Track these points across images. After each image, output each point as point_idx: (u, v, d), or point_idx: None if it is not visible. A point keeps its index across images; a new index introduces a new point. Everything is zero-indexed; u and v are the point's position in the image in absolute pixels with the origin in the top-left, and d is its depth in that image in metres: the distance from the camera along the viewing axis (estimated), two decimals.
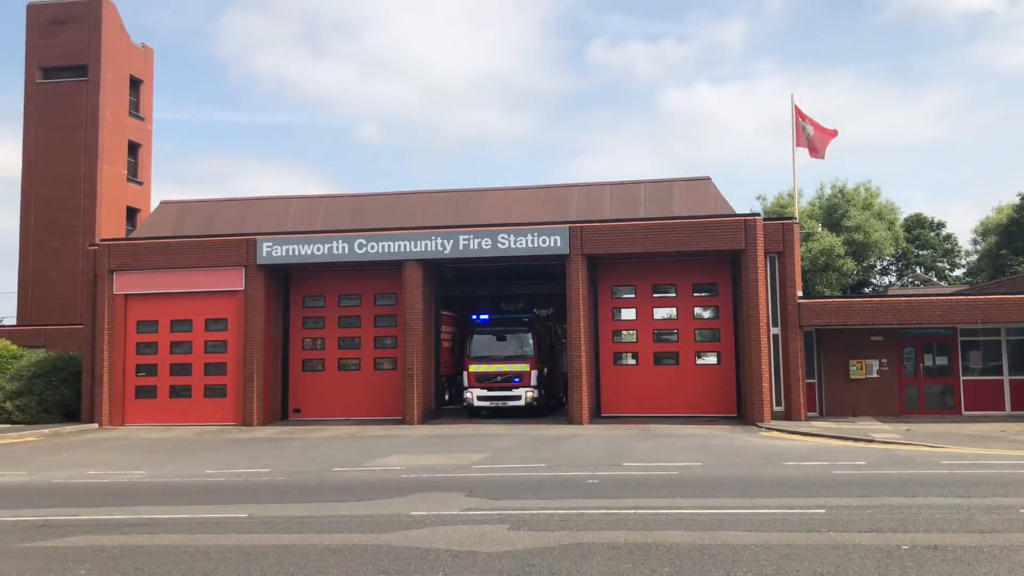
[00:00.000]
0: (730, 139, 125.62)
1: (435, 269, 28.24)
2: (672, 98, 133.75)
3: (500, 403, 27.11)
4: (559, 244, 25.87)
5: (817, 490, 11.96)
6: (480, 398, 27.28)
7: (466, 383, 27.58)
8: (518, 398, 26.94)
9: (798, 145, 29.06)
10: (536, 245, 26.02)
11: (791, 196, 34.26)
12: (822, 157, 29.36)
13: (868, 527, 9.19)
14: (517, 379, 27.13)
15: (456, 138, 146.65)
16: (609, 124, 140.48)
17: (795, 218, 27.79)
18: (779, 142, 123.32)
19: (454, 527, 9.77)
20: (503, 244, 26.11)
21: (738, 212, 27.93)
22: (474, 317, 29.11)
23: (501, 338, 27.86)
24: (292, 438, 22.86)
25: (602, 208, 29.13)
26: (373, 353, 28.76)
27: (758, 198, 60.84)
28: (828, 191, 59.17)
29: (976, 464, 14.71)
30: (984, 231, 69.70)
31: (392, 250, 26.69)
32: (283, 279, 28.95)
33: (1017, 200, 64.21)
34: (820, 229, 52.47)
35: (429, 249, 26.49)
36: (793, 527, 9.32)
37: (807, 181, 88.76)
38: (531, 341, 27.70)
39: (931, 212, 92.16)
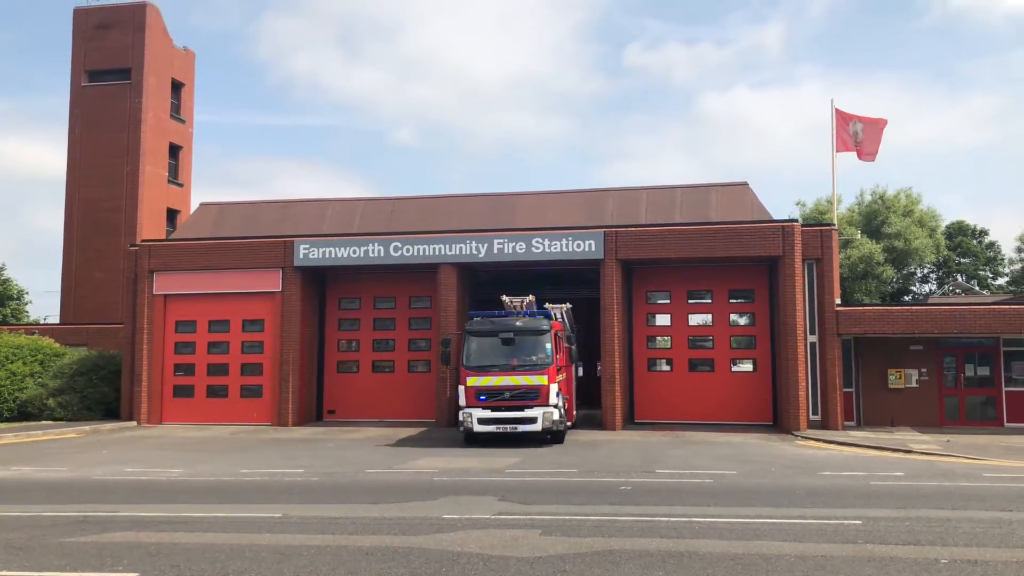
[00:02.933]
0: (769, 144, 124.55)
1: (469, 272, 28.28)
2: (710, 102, 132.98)
3: (509, 427, 20.42)
4: (593, 248, 25.79)
5: (854, 501, 11.80)
6: (482, 421, 20.41)
7: (462, 401, 20.69)
8: (532, 420, 20.30)
9: (845, 149, 28.74)
10: (570, 249, 25.97)
11: (830, 202, 33.84)
12: (873, 158, 29.01)
13: (906, 540, 9.04)
14: (532, 395, 20.40)
15: (491, 142, 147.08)
16: (645, 128, 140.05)
17: (834, 224, 27.47)
18: (819, 147, 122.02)
19: (486, 531, 9.77)
20: (537, 248, 26.10)
21: (776, 218, 27.66)
22: (472, 314, 22.82)
23: (508, 342, 21.00)
24: (326, 439, 23.02)
25: (638, 213, 29.01)
26: (407, 355, 28.88)
27: (797, 204, 60.18)
28: (868, 197, 58.35)
29: (1018, 478, 14.40)
30: None
31: (427, 253, 26.80)
32: (319, 281, 29.19)
33: None
34: (859, 236, 51.76)
35: (463, 252, 26.56)
36: (829, 538, 9.19)
37: (847, 187, 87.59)
38: (549, 345, 20.98)
39: (973, 220, 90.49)
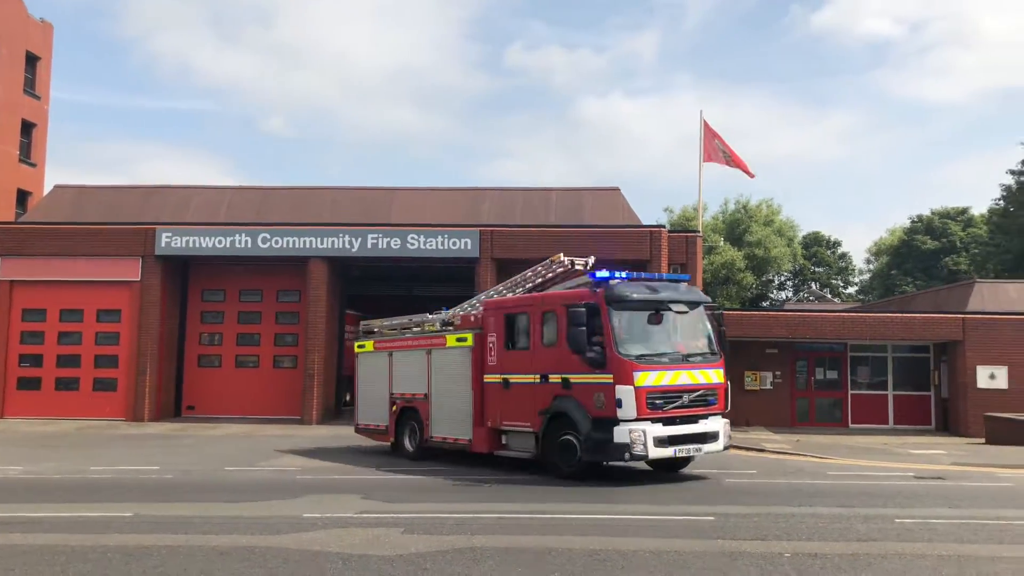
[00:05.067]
0: (643, 150, 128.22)
1: (341, 267, 27.83)
2: (588, 107, 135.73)
3: (692, 449, 13.82)
4: (469, 247, 25.88)
5: (708, 497, 12.25)
6: (660, 441, 13.27)
7: (624, 411, 13.14)
8: (715, 437, 14.01)
9: (707, 160, 29.83)
10: (446, 247, 25.97)
11: (696, 210, 35.17)
12: (752, 176, 30.32)
13: (754, 535, 9.45)
14: (711, 399, 14.07)
15: (369, 135, 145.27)
16: (525, 128, 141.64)
17: (699, 231, 28.54)
18: (690, 156, 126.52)
19: (347, 530, 9.62)
20: (412, 245, 25.96)
21: (645, 223, 28.54)
22: (605, 278, 14.23)
23: (667, 319, 14.21)
24: (184, 435, 22.14)
25: (514, 213, 29.26)
26: (273, 350, 28.13)
27: (665, 210, 62.35)
28: (732, 206, 61.02)
29: (859, 475, 15.32)
30: (877, 251, 73.03)
31: (297, 246, 26.20)
32: (182, 272, 28.05)
33: (908, 224, 67.47)
34: (722, 243, 54.06)
35: (336, 247, 26.12)
36: (684, 534, 9.51)
37: (713, 196, 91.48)
38: (710, 325, 14.81)
39: (829, 231, 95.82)
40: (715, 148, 29.28)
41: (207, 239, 26.22)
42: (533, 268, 16.72)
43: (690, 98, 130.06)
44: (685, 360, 13.94)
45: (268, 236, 26.17)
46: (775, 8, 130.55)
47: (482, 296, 17.93)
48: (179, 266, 27.69)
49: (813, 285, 69.52)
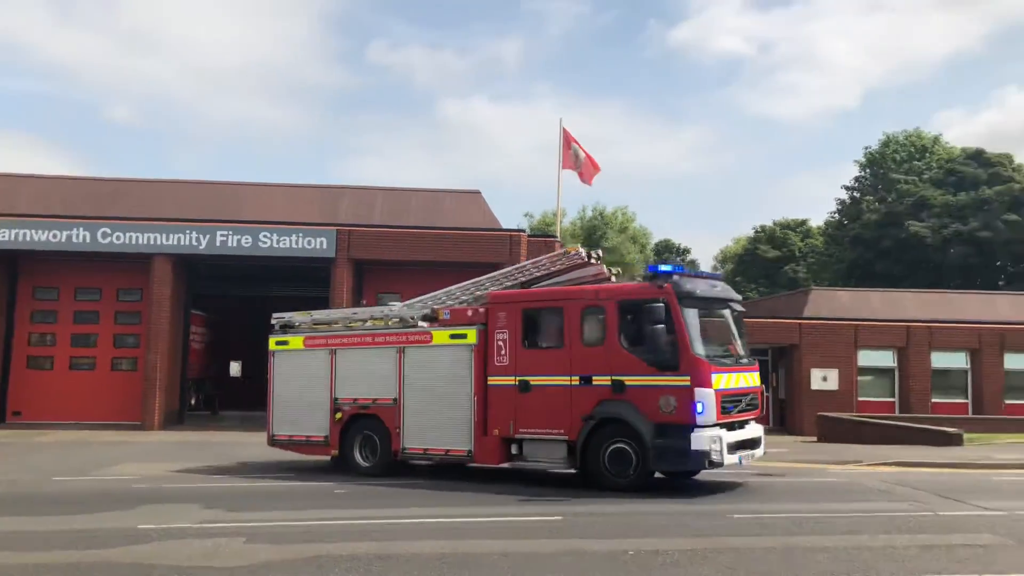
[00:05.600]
0: (504, 155, 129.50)
1: (188, 266, 26.67)
2: (450, 108, 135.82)
3: (749, 454, 13.35)
4: (325, 247, 25.34)
5: (558, 498, 12.41)
6: (732, 448, 12.67)
7: (705, 416, 12.28)
8: (759, 443, 13.78)
9: (565, 167, 30.37)
10: (301, 246, 25.32)
11: (555, 215, 35.83)
12: (590, 184, 30.96)
13: (600, 534, 9.64)
14: (756, 404, 13.89)
15: (223, 128, 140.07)
16: (387, 127, 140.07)
17: (557, 236, 29.04)
18: (550, 163, 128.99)
19: (185, 541, 9.15)
20: (265, 243, 25.17)
21: (506, 227, 28.80)
22: (669, 269, 13.19)
23: (722, 318, 14.00)
24: (8, 443, 20.57)
25: (372, 213, 28.87)
26: (112, 352, 26.65)
27: (525, 215, 63.23)
28: (589, 213, 62.57)
29: (704, 474, 15.89)
30: (723, 259, 76.72)
31: (140, 242, 24.91)
32: (10, 267, 26.10)
33: (752, 233, 71.19)
34: (579, 248, 55.31)
35: (182, 244, 25.01)
36: (532, 535, 9.60)
37: (572, 202, 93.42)
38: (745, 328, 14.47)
39: (679, 239, 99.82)
40: (573, 156, 29.86)
41: (39, 232, 24.54)
42: (534, 260, 15.33)
43: (551, 106, 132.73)
44: (737, 362, 13.50)
45: (109, 231, 24.76)
46: (634, 23, 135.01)
47: (450, 290, 15.83)
48: (7, 261, 25.76)
49: None
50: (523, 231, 27.23)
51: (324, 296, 26.46)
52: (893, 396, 29.11)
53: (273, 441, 16.24)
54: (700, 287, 13.19)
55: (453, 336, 14.28)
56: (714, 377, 12.46)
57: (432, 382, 14.38)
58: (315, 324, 16.32)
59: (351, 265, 25.49)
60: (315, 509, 11.38)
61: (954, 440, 20.84)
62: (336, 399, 15.31)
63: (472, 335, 14.03)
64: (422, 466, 15.35)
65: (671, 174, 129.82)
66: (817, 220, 68.12)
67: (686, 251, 76.25)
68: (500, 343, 13.82)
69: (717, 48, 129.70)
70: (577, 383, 13.11)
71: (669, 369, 12.41)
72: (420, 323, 14.85)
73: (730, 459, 12.59)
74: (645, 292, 12.90)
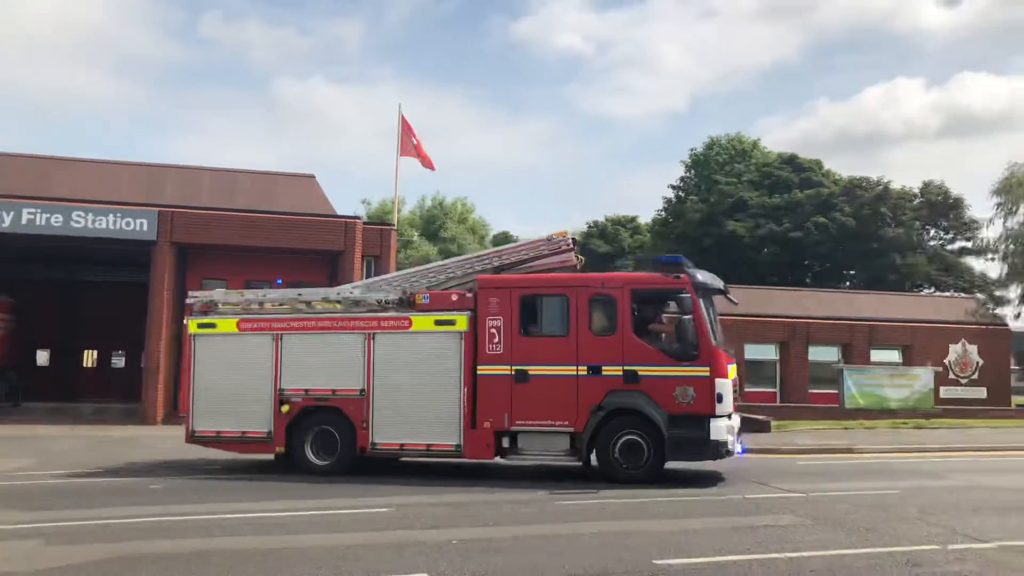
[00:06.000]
0: (344, 139, 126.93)
1: None
2: (288, 88, 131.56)
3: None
4: (146, 229, 23.96)
5: (385, 490, 12.30)
6: (730, 431, 12.85)
7: (723, 406, 12.60)
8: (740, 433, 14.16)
9: (404, 155, 30.11)
10: (119, 227, 23.82)
11: (393, 203, 35.52)
12: (433, 169, 30.87)
13: (430, 524, 9.62)
14: (741, 394, 15.30)
15: (34, 97, 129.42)
16: (219, 104, 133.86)
17: (394, 225, 28.79)
18: (390, 149, 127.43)
19: None
20: (79, 223, 23.50)
21: (343, 213, 28.27)
22: (678, 259, 13.46)
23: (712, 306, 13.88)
24: None
25: (199, 194, 27.57)
26: None
27: (363, 202, 62.30)
28: (429, 203, 62.43)
29: (528, 463, 16.20)
30: None
31: None
32: None
33: (586, 228, 73.25)
34: (417, 238, 55.13)
35: None
36: (359, 527, 9.47)
37: (412, 191, 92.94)
38: None
39: (517, 231, 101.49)
40: (411, 143, 29.69)
41: None
42: (514, 246, 14.89)
43: (392, 91, 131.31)
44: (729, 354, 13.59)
45: None
46: (475, 14, 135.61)
47: (405, 273, 15.08)
48: None
49: None
50: (359, 218, 26.81)
51: (143, 281, 25.06)
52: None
53: (194, 437, 14.35)
54: (707, 278, 13.32)
55: (439, 322, 13.41)
56: (730, 367, 12.89)
57: (411, 371, 13.40)
58: (250, 305, 14.57)
59: (174, 249, 24.24)
60: (127, 507, 10.74)
61: (763, 427, 22.28)
62: (282, 390, 13.84)
63: (462, 321, 13.27)
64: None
65: (511, 166, 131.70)
66: (646, 217, 71.00)
67: None
68: (493, 330, 13.15)
69: (557, 44, 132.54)
70: (585, 373, 12.82)
71: (687, 360, 12.54)
72: (388, 307, 13.75)
73: (736, 448, 12.92)
74: (662, 283, 12.91)
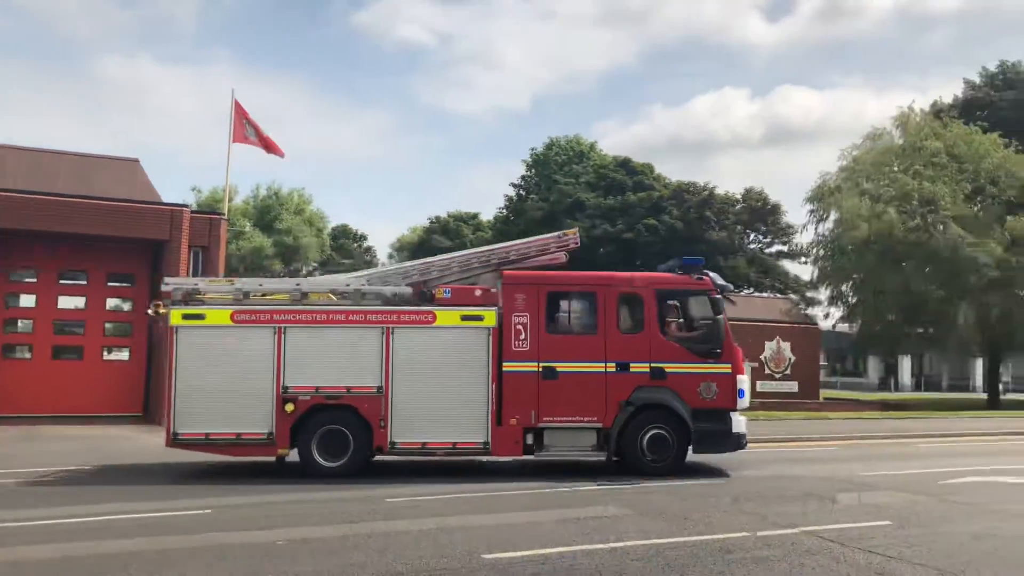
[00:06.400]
0: (173, 123, 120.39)
1: None
2: (111, 66, 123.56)
3: None
4: None
5: (201, 491, 11.78)
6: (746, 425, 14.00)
7: (743, 401, 13.59)
8: None
9: (236, 141, 28.89)
10: None
11: (225, 191, 34.03)
12: (282, 155, 29.76)
13: (251, 526, 9.31)
14: None
15: None
16: (28, 80, 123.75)
17: (224, 214, 27.59)
18: (223, 135, 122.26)
19: None
20: None
21: (170, 201, 26.85)
22: (697, 260, 14.47)
23: None
24: None
25: (4, 176, 25.36)
26: None
27: (193, 190, 59.40)
28: (264, 192, 60.39)
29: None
30: (400, 247, 78.05)
31: None
32: None
33: (428, 223, 73.22)
34: (250, 228, 53.19)
35: None
36: (174, 530, 8.98)
37: (246, 179, 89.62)
38: None
39: (357, 224, 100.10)
40: (245, 129, 28.54)
41: None
42: (525, 241, 14.83)
43: (227, 74, 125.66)
44: None
45: None
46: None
47: (400, 268, 14.58)
48: None
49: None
50: (187, 206, 25.43)
51: None
52: None
53: (177, 440, 12.99)
54: (721, 280, 13.96)
55: (466, 318, 13.12)
56: (744, 364, 13.84)
57: (435, 368, 12.97)
58: (244, 296, 13.35)
59: None
60: None
61: None
62: (286, 388, 12.88)
63: (490, 317, 13.10)
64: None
65: (352, 157, 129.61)
66: (488, 214, 71.73)
67: (363, 237, 76.57)
68: (519, 327, 13.13)
69: (399, 35, 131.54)
70: (613, 370, 13.12)
71: (711, 357, 13.21)
72: (398, 301, 13.26)
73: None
74: (687, 283, 13.62)
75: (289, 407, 12.83)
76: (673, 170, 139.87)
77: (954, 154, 37.34)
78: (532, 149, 65.95)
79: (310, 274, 70.11)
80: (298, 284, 13.84)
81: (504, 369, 13.04)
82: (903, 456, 14.46)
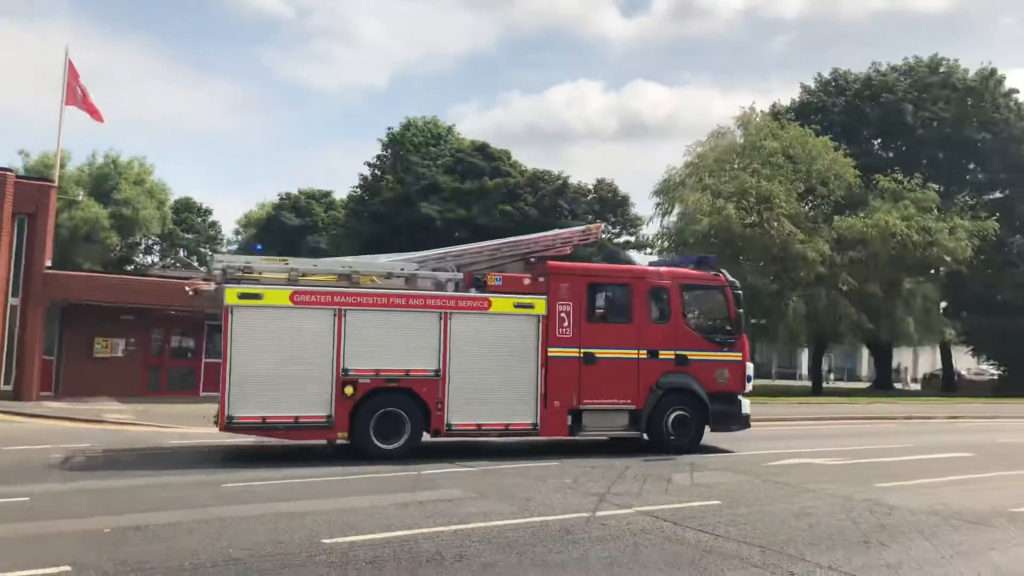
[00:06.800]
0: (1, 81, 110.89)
1: None
2: None
3: None
4: None
5: (26, 476, 11.01)
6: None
7: (749, 386, 15.27)
8: None
9: (69, 104, 26.99)
10: None
11: (56, 157, 31.71)
12: (102, 121, 28.00)
13: (71, 513, 8.76)
14: None
15: None
16: None
17: (54, 181, 25.77)
18: (55, 96, 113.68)
19: None
20: None
21: None
22: (710, 257, 17.51)
23: None
24: None
25: None
26: None
27: (21, 153, 55.15)
28: (101, 160, 56.80)
29: (201, 443, 15.38)
30: (246, 223, 75.32)
31: None
32: None
33: (277, 200, 70.98)
34: (82, 197, 49.85)
35: None
36: None
37: (82, 146, 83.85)
38: None
39: (201, 198, 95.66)
40: (77, 91, 26.70)
41: None
42: (555, 233, 16.09)
43: (62, 30, 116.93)
44: None
45: None
46: None
47: (454, 251, 15.02)
48: None
49: (181, 251, 68.63)
50: (10, 170, 23.54)
51: None
52: None
53: (232, 424, 12.38)
54: (731, 276, 15.44)
55: (519, 305, 13.74)
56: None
57: (488, 352, 13.46)
58: (300, 276, 12.99)
59: None
60: None
61: None
62: (346, 370, 12.73)
63: (540, 305, 13.79)
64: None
65: (198, 128, 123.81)
66: (341, 193, 70.30)
67: (208, 211, 73.35)
68: (563, 315, 13.90)
69: (254, 3, 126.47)
70: (644, 356, 14.28)
71: (726, 346, 14.78)
72: (447, 287, 13.62)
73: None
74: (706, 279, 15.28)
75: (349, 390, 12.76)
76: (529, 158, 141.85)
77: (790, 155, 39.56)
78: (389, 129, 65.02)
79: (148, 248, 66.76)
80: (351, 266, 13.67)
81: (549, 354, 13.77)
82: (733, 439, 15.26)
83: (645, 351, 14.35)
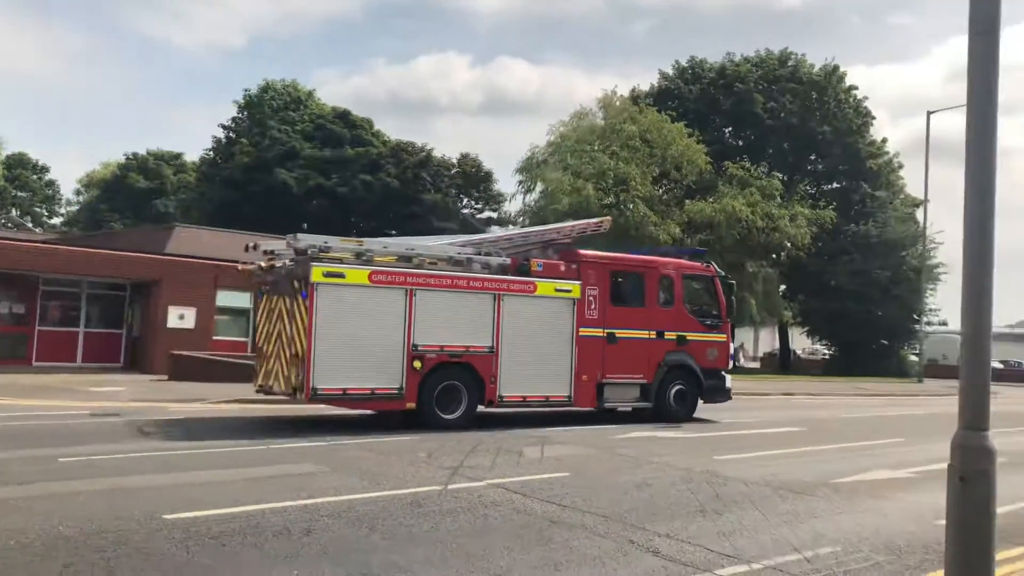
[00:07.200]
0: None
1: None
2: None
3: None
4: None
5: None
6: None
7: (731, 364, 18.97)
8: None
9: None
10: None
11: None
12: None
13: None
14: None
15: None
16: None
17: None
18: None
19: None
20: None
21: None
22: (700, 250, 21.71)
23: None
24: None
25: None
26: None
27: None
28: None
29: (31, 415, 14.49)
30: (89, 183, 71.03)
31: None
32: None
33: (124, 160, 67.17)
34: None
35: None
36: None
37: None
38: None
39: (38, 155, 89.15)
40: None
41: None
42: (558, 226, 18.42)
43: None
44: None
45: None
46: None
47: (492, 235, 17.46)
48: None
49: (13, 211, 63.89)
50: None
51: None
52: (247, 336, 30.22)
53: (316, 396, 13.14)
54: (719, 268, 18.07)
55: (559, 289, 15.25)
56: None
57: (532, 331, 14.86)
58: (372, 256, 13.91)
59: None
60: None
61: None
62: (415, 346, 13.80)
63: (576, 289, 15.37)
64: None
65: (37, 79, 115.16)
66: (193, 155, 67.25)
67: (45, 169, 68.53)
68: (591, 299, 15.55)
69: None
70: (654, 337, 16.31)
71: (715, 329, 17.19)
72: (495, 270, 14.94)
73: None
74: (699, 269, 17.57)
75: (417, 364, 13.82)
76: (392, 128, 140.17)
77: (647, 139, 40.82)
78: (246, 90, 62.66)
79: None
80: (411, 247, 14.76)
81: (580, 334, 15.36)
82: (586, 417, 15.78)
83: (655, 332, 16.37)
